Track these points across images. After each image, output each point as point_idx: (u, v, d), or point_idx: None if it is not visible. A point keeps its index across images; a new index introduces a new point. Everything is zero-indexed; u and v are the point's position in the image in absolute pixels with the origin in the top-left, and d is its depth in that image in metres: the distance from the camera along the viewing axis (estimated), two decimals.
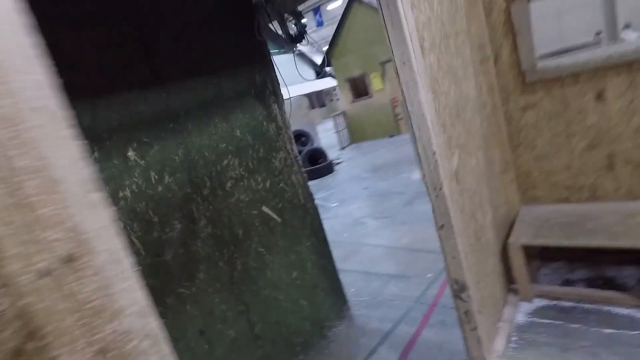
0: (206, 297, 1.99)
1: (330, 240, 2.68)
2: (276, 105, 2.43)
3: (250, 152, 2.26)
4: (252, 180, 2.26)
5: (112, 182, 1.65)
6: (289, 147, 2.50)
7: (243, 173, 2.21)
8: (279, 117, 2.45)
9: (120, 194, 1.68)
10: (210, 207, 2.03)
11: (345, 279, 3.24)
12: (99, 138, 1.62)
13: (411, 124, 1.47)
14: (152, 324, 0.53)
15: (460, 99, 1.93)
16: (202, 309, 1.96)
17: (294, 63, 3.30)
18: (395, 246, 3.66)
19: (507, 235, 2.32)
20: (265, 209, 2.32)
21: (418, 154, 1.51)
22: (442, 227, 1.56)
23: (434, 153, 1.47)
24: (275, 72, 2.45)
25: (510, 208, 2.55)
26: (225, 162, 2.13)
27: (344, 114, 10.82)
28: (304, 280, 2.53)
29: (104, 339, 0.47)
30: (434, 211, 1.56)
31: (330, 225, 4.77)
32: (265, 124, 2.36)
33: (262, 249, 2.28)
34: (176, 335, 1.84)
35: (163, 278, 1.81)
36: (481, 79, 2.27)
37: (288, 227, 2.44)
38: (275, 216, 2.37)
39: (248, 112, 2.26)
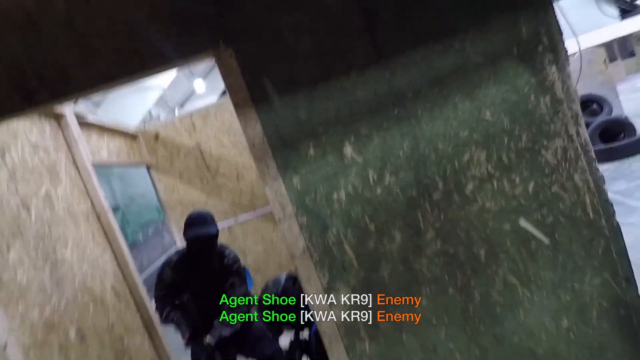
0: (428, 329, 1.57)
1: (636, 264, 1.65)
2: (554, 68, 1.59)
3: (506, 140, 1.58)
4: (505, 182, 1.59)
5: (325, 183, 1.45)
6: (572, 130, 1.62)
7: (492, 171, 1.58)
8: (557, 84, 1.60)
9: (335, 196, 1.47)
10: (442, 217, 1.55)
11: None
12: (314, 133, 1.44)
13: None
14: None
15: None
16: (421, 342, 1.56)
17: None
18: None
19: None
20: (524, 223, 1.61)
21: None
22: None
23: None
24: (554, 17, 1.59)
25: None
26: (467, 156, 1.56)
27: None
28: (584, 335, 1.66)
29: None
30: None
31: (636, 235, 3.21)
32: (533, 97, 1.59)
33: (513, 279, 1.61)
34: None
35: (377, 297, 1.52)
36: None
37: (561, 253, 1.63)
38: (540, 235, 1.61)
39: (506, 81, 1.57)
